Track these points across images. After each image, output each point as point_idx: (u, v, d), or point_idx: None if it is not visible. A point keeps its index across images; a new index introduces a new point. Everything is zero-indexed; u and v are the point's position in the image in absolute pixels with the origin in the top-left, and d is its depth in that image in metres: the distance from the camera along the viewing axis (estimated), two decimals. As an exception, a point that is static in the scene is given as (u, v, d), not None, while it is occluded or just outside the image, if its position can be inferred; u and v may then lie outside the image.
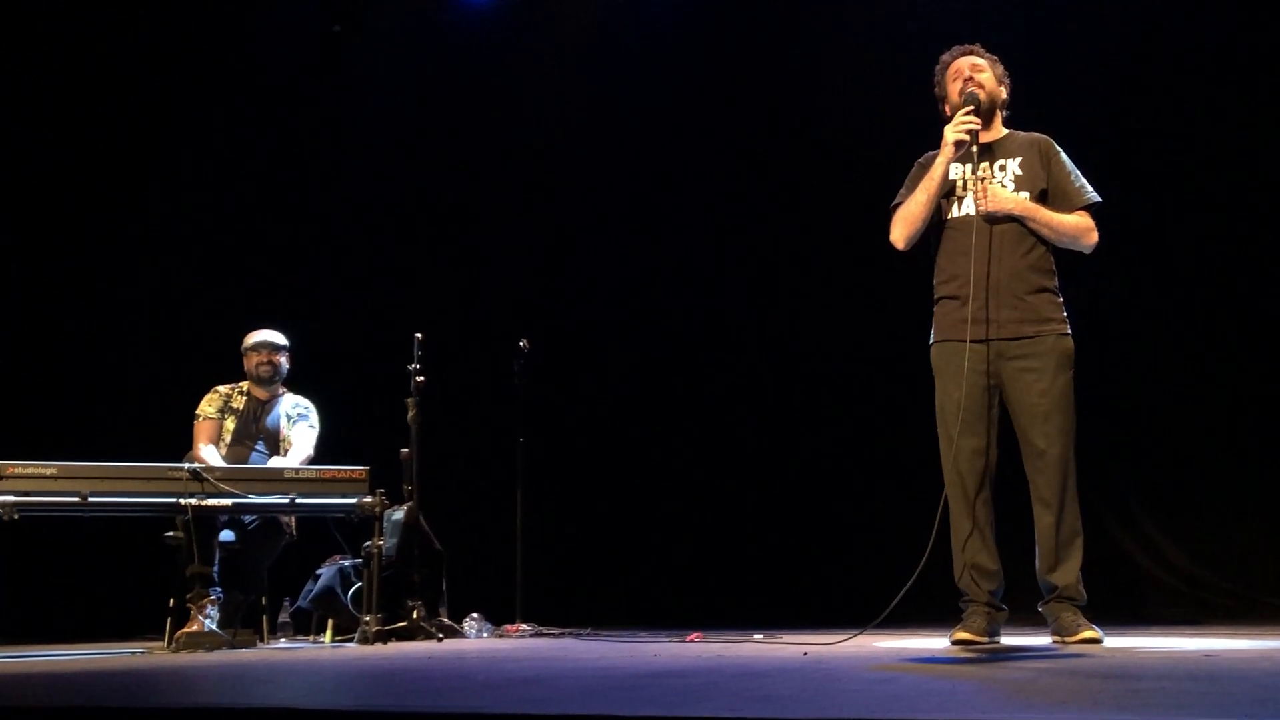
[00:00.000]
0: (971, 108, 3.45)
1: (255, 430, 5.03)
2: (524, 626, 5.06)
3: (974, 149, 3.44)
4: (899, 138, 3.82)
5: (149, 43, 6.55)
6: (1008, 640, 3.45)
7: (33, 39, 6.28)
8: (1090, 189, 3.51)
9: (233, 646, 4.27)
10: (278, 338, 5.14)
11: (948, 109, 3.62)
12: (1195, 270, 5.35)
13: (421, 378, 4.89)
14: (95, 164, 6.45)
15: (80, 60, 6.39)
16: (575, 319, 6.60)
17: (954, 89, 3.59)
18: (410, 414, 4.84)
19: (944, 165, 3.46)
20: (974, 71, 3.58)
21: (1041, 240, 3.46)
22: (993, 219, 3.44)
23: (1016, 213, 3.44)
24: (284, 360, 5.13)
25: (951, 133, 3.44)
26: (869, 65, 5.93)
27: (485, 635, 4.91)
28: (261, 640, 4.73)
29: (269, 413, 5.09)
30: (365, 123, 6.96)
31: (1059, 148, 3.56)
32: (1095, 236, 3.48)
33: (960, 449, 3.42)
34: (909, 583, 3.12)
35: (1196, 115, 5.33)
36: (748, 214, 6.40)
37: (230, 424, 5.01)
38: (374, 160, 6.91)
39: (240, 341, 5.17)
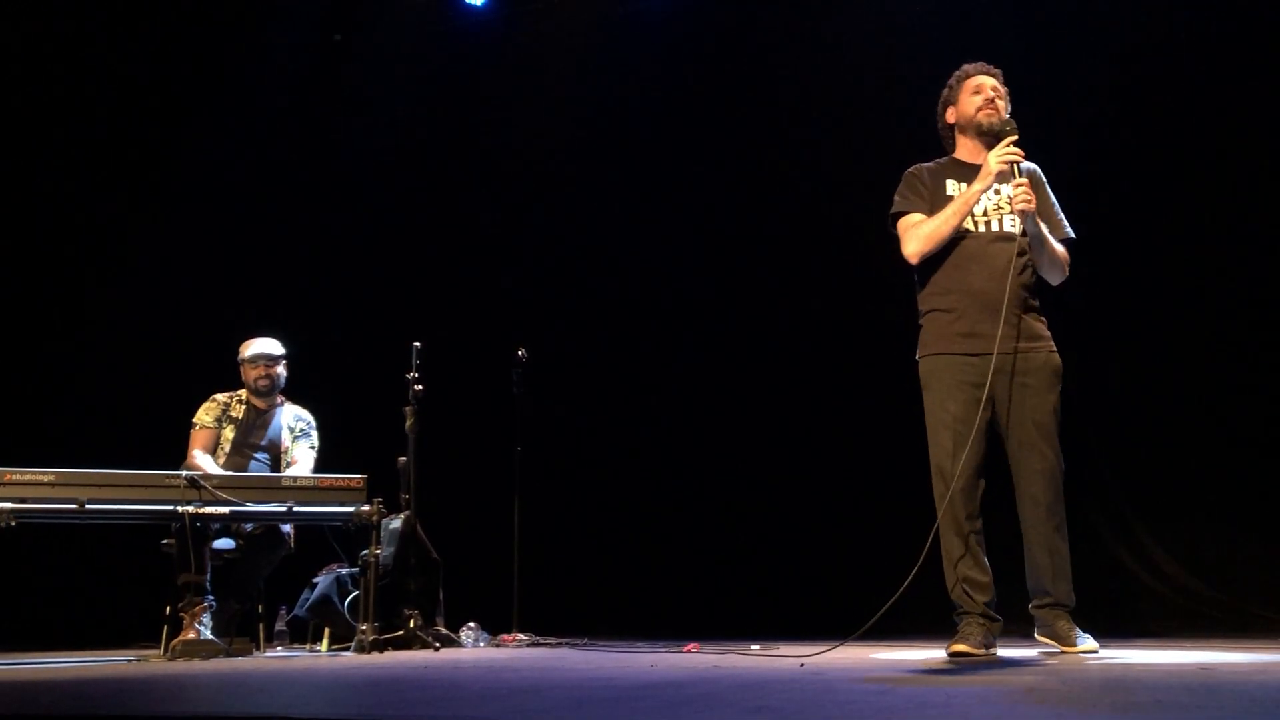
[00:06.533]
0: (1014, 138, 3.43)
1: (255, 440, 5.02)
2: (521, 636, 5.06)
3: (1013, 174, 3.40)
4: (894, 148, 3.84)
5: (149, 50, 6.57)
6: (1001, 652, 3.45)
7: (33, 43, 6.29)
8: (1068, 224, 3.57)
9: (229, 655, 4.26)
10: (274, 348, 5.10)
11: (951, 115, 3.63)
12: (1191, 282, 5.35)
13: (420, 386, 4.89)
14: (93, 171, 6.46)
15: (81, 66, 6.41)
16: (573, 328, 6.61)
17: (970, 103, 3.58)
18: (408, 423, 4.84)
19: (979, 191, 3.42)
20: (997, 96, 3.57)
21: (1031, 261, 3.49)
22: (1000, 235, 3.46)
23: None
24: (281, 370, 5.10)
25: (995, 162, 3.40)
26: (865, 76, 5.95)
27: (482, 645, 4.90)
28: (258, 649, 4.72)
29: (269, 422, 5.07)
30: (364, 131, 6.97)
31: (1044, 177, 3.61)
32: (1068, 271, 3.55)
33: (951, 461, 3.44)
34: (896, 594, 3.11)
35: (1190, 123, 5.34)
36: (748, 226, 6.42)
37: (229, 433, 5.00)
38: (373, 169, 6.93)
39: (238, 349, 5.15)
